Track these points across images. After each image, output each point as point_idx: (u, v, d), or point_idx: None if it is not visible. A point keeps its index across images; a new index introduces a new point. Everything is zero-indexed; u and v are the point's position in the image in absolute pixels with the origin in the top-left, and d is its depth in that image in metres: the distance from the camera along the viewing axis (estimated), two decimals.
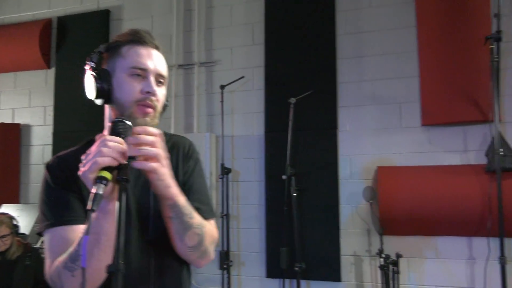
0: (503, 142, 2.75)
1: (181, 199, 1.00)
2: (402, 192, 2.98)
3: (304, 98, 3.13)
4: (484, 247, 2.88)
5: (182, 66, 3.86)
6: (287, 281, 3.28)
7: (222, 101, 3.43)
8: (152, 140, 0.92)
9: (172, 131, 3.74)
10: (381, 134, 3.23)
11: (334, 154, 3.28)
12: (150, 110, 1.03)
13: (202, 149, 3.51)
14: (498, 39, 2.61)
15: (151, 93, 1.03)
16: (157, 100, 1.06)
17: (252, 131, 3.57)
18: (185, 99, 3.83)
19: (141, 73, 1.04)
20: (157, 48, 1.10)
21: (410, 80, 3.18)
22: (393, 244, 3.05)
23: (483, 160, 2.87)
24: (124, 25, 4.06)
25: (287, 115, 3.11)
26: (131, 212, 1.04)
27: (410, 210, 2.95)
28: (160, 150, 0.93)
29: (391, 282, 2.53)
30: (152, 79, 1.05)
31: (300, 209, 3.16)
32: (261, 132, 3.51)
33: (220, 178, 3.38)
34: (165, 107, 1.12)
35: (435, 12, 3.11)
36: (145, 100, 1.03)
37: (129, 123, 0.93)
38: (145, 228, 1.05)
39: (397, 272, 2.55)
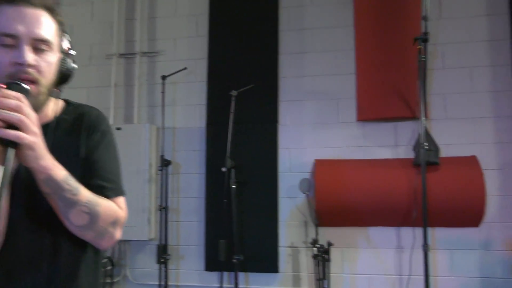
0: (428, 137, 2.93)
1: (58, 173, 0.88)
2: (337, 185, 3.08)
3: (246, 92, 3.14)
4: (411, 236, 3.05)
5: (123, 55, 3.74)
6: (225, 273, 3.29)
7: (163, 92, 3.36)
8: (15, 104, 0.80)
9: (111, 122, 3.61)
10: (319, 128, 3.32)
11: (274, 147, 3.33)
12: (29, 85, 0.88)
13: (141, 140, 3.42)
14: (425, 40, 2.77)
15: (23, 64, 0.88)
16: (38, 71, 0.91)
17: (194, 123, 3.53)
18: (125, 89, 3.71)
19: (10, 41, 0.89)
20: (39, 6, 0.93)
21: (347, 77, 3.30)
22: (328, 234, 3.14)
23: (411, 155, 3.04)
24: (63, 10, 3.85)
25: (229, 108, 3.11)
26: (18, 186, 0.93)
27: (345, 202, 3.06)
28: (25, 116, 0.80)
29: (321, 268, 2.61)
30: (25, 46, 0.89)
31: (240, 201, 3.17)
32: (202, 125, 3.48)
33: (160, 170, 3.32)
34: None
35: (372, 13, 3.25)
36: (18, 74, 0.88)
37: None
38: (33, 205, 0.96)
39: (328, 260, 2.63)
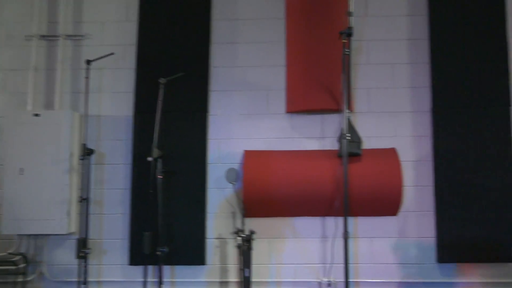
0: (351, 129, 3.03)
1: None
2: (265, 176, 3.09)
3: (176, 80, 3.06)
4: (334, 226, 3.14)
5: (44, 37, 3.48)
6: (150, 267, 3.18)
7: (87, 77, 3.16)
8: None
9: (29, 108, 3.36)
10: (249, 119, 3.31)
11: (203, 137, 3.27)
12: None
13: (62, 128, 3.21)
14: (349, 34, 2.86)
15: None
16: None
17: (121, 111, 3.37)
18: (46, 73, 3.46)
19: None
20: None
21: (277, 69, 3.32)
22: (256, 225, 3.15)
23: (337, 146, 3.12)
24: None
25: (158, 96, 3.00)
26: None
27: (272, 192, 3.07)
28: None
29: (243, 258, 2.60)
30: None
31: (167, 192, 3.08)
32: (129, 113, 3.34)
33: (81, 160, 3.13)
34: None
35: (303, 6, 3.29)
36: None
37: None
38: None
39: (250, 249, 2.62)
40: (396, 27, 3.32)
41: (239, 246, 2.70)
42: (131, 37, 3.42)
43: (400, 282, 3.12)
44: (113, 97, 3.40)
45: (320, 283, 3.14)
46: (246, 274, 2.56)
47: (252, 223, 3.15)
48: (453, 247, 3.07)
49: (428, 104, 3.22)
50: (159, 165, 3.00)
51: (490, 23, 3.20)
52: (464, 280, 3.10)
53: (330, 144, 3.23)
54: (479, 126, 3.12)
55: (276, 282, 3.19)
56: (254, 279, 3.12)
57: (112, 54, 3.24)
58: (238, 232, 2.74)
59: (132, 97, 3.35)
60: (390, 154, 3.10)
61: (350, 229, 3.16)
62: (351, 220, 3.16)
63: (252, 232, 2.66)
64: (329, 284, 3.11)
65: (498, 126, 3.12)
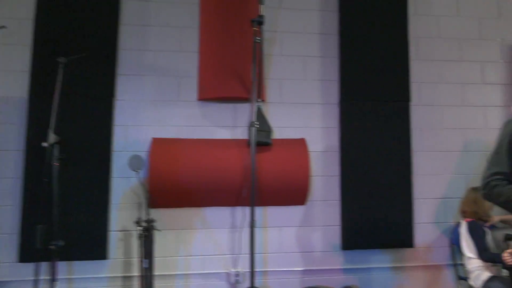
0: (262, 118, 3.02)
1: None
2: (173, 165, 2.97)
3: (80, 62, 2.80)
4: (244, 215, 3.12)
5: None
6: (44, 264, 2.89)
7: None
8: None
9: None
10: (159, 106, 3.17)
11: (108, 123, 3.06)
12: None
13: None
14: (260, 22, 2.86)
15: None
16: None
17: (13, 92, 3.03)
18: None
19: None
20: None
21: (190, 55, 3.22)
22: (163, 216, 3.03)
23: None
24: None
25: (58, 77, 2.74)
26: None
27: (180, 182, 2.96)
28: None
29: (144, 249, 2.47)
30: None
31: (64, 181, 2.81)
32: (24, 95, 3.02)
33: None
34: None
35: None
36: None
37: None
38: None
39: (150, 238, 2.50)
40: (309, 21, 3.39)
41: (139, 237, 2.55)
42: (27, 11, 3.09)
43: (306, 270, 3.18)
44: (4, 77, 3.05)
45: (228, 274, 3.10)
46: (145, 266, 2.43)
47: (160, 214, 3.01)
48: (357, 234, 3.21)
49: (337, 97, 3.33)
50: (56, 151, 2.74)
51: (394, 23, 3.39)
52: (366, 266, 3.26)
53: (242, 133, 3.20)
54: (383, 119, 3.29)
55: (184, 275, 3.08)
56: (161, 272, 3.01)
57: (3, 27, 2.90)
58: (138, 222, 2.59)
59: (28, 77, 3.03)
60: (299, 145, 3.15)
61: (260, 219, 3.16)
62: (261, 210, 3.17)
63: (151, 221, 2.53)
64: (237, 274, 3.08)
65: (399, 119, 3.32)
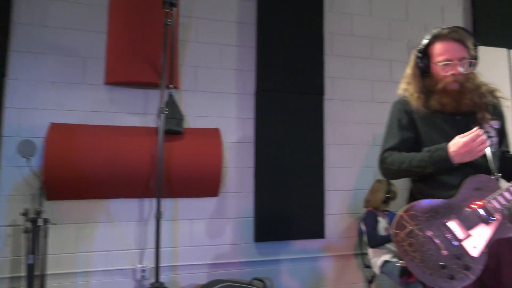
0: (174, 106, 2.90)
1: None
2: (74, 152, 2.72)
3: None
4: (152, 207, 2.96)
5: None
6: None
7: None
8: None
9: None
10: (60, 88, 2.89)
11: None
12: None
13: None
14: (172, 4, 2.72)
15: None
16: None
17: None
18: None
19: None
20: None
21: (97, 35, 2.98)
22: (62, 209, 2.77)
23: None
24: None
25: None
26: None
27: (81, 171, 2.72)
28: None
29: (30, 243, 2.21)
30: None
31: None
32: None
33: None
34: None
35: None
36: None
37: None
38: None
39: (37, 232, 2.25)
40: (227, 8, 3.32)
41: (26, 231, 2.29)
42: None
43: (217, 264, 3.10)
44: None
45: (134, 270, 2.92)
46: (30, 261, 2.17)
47: (58, 207, 2.75)
48: (270, 226, 3.20)
49: (253, 87, 3.30)
50: None
51: (311, 17, 3.44)
52: (278, 258, 3.26)
53: (153, 121, 3.03)
54: (297, 111, 3.32)
55: (84, 273, 2.84)
56: (57, 270, 2.74)
57: None
58: (26, 213, 2.32)
59: None
60: (213, 134, 3.07)
61: (170, 211, 3.02)
62: (171, 202, 3.03)
63: (39, 212, 2.28)
64: (143, 270, 2.91)
65: (313, 112, 3.38)
